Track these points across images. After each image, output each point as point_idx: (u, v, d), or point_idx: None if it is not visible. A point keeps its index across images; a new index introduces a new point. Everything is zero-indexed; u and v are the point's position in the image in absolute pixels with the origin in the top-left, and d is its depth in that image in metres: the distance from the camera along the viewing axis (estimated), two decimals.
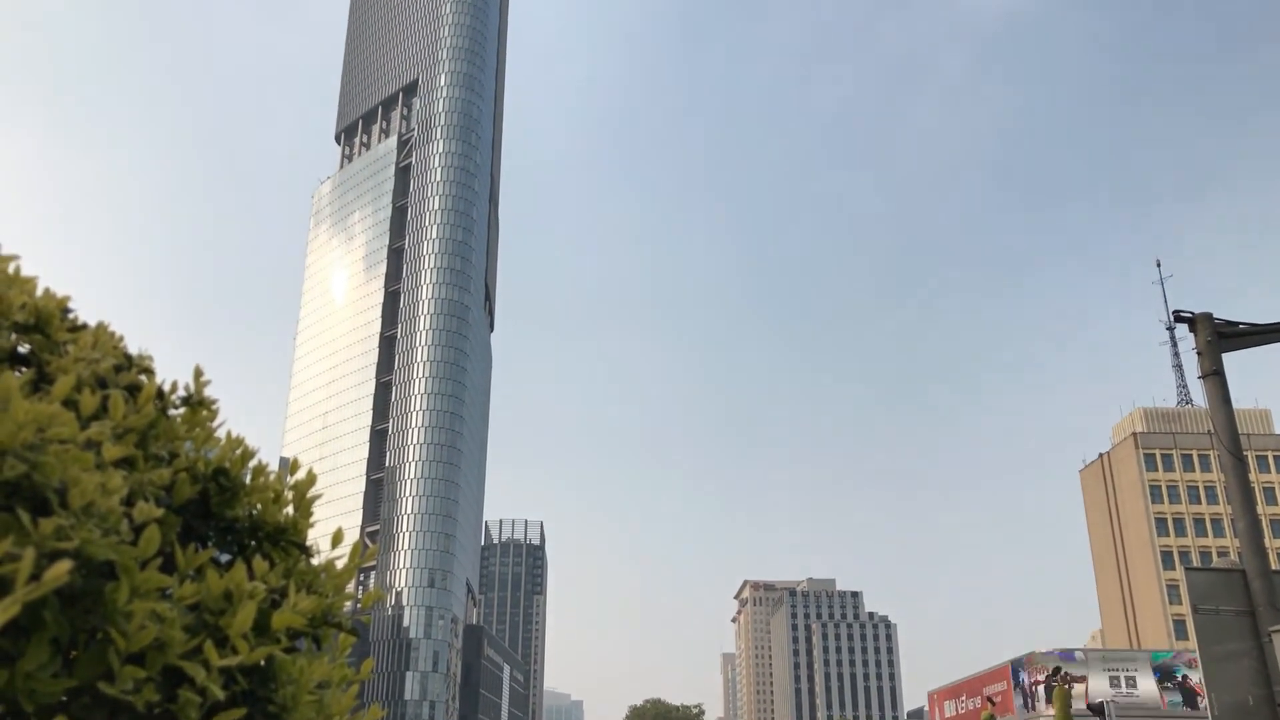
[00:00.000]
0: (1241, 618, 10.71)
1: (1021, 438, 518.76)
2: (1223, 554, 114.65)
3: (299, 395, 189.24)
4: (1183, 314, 12.25)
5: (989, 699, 66.37)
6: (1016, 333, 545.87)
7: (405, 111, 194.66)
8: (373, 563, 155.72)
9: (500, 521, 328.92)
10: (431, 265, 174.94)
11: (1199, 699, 57.46)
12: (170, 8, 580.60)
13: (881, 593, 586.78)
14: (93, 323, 2.43)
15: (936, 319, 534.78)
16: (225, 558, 2.33)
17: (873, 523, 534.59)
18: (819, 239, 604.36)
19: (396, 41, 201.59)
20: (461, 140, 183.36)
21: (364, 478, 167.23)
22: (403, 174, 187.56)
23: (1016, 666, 66.44)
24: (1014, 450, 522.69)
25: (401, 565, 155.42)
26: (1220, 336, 12.08)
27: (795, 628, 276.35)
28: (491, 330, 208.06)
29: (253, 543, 2.39)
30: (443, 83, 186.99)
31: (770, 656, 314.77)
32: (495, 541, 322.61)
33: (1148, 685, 61.59)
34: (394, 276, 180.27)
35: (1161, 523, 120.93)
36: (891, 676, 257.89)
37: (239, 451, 2.39)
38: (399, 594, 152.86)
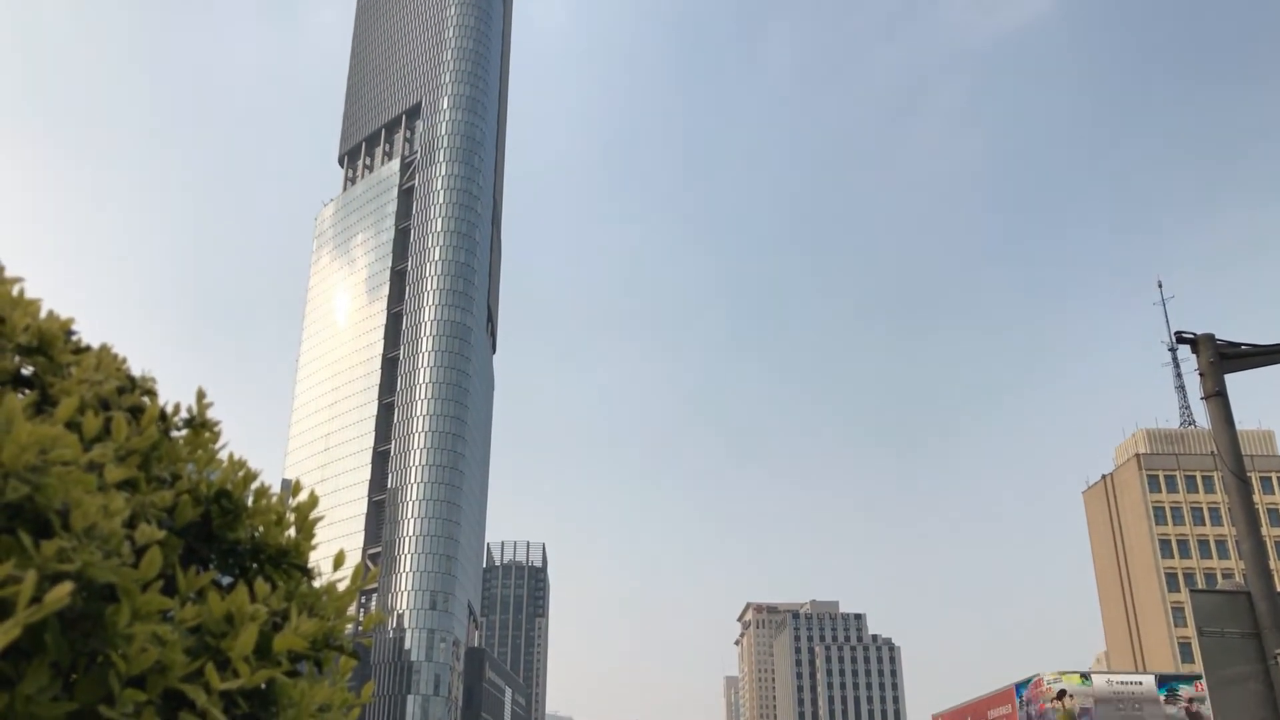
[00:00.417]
0: (1248, 640, 10.65)
1: (1024, 458, 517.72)
2: (1227, 576, 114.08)
3: (301, 417, 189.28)
4: (1185, 335, 12.23)
5: None
6: (1019, 354, 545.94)
7: (408, 134, 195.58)
8: (374, 585, 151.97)
9: (502, 543, 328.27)
10: (434, 287, 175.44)
11: None
12: (173, 30, 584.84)
13: (885, 615, 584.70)
14: (96, 345, 2.45)
15: (940, 341, 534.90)
16: (227, 580, 2.33)
17: (876, 545, 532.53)
18: (822, 259, 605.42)
19: (400, 65, 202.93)
20: (464, 163, 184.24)
21: (366, 499, 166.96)
22: (405, 196, 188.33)
23: (1020, 689, 66.08)
24: (1017, 471, 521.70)
25: (403, 587, 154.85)
26: (1223, 357, 12.05)
27: (799, 650, 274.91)
28: (494, 352, 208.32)
29: (254, 565, 2.39)
30: (446, 106, 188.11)
31: (773, 679, 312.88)
32: (497, 563, 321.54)
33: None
34: (396, 298, 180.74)
35: (1165, 544, 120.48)
36: (895, 699, 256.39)
37: (241, 473, 2.40)
38: (400, 616, 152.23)
